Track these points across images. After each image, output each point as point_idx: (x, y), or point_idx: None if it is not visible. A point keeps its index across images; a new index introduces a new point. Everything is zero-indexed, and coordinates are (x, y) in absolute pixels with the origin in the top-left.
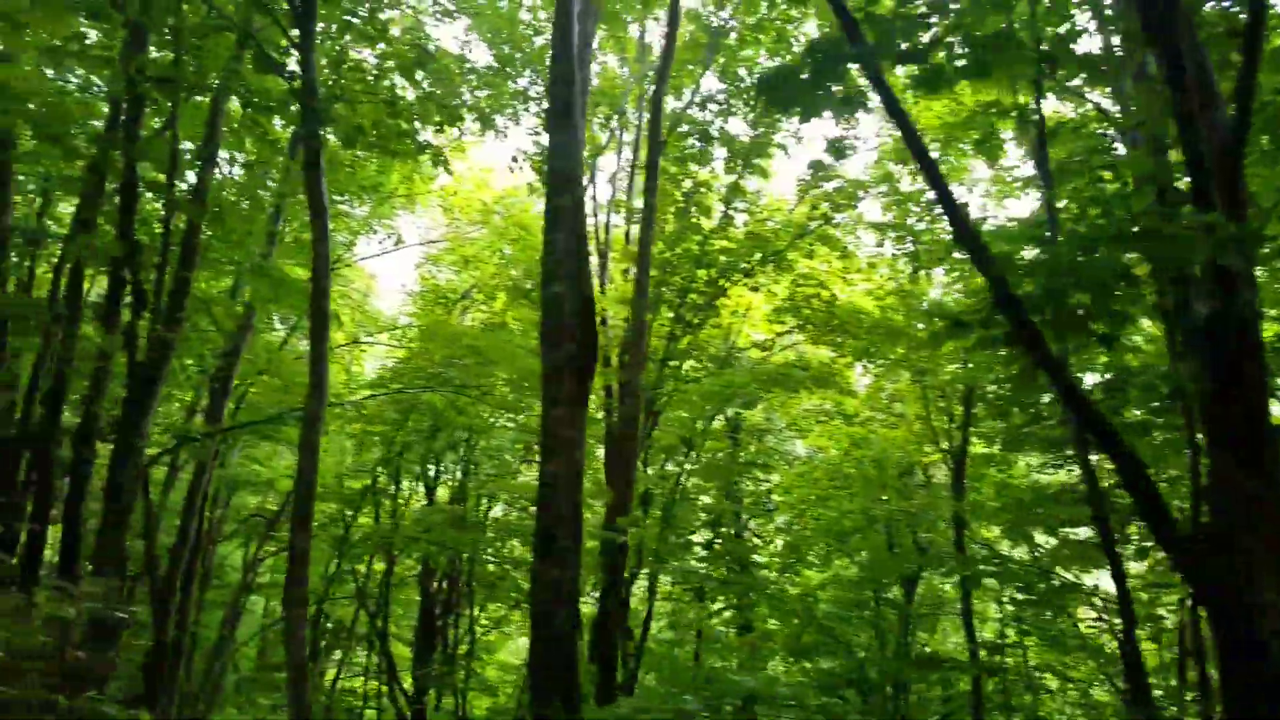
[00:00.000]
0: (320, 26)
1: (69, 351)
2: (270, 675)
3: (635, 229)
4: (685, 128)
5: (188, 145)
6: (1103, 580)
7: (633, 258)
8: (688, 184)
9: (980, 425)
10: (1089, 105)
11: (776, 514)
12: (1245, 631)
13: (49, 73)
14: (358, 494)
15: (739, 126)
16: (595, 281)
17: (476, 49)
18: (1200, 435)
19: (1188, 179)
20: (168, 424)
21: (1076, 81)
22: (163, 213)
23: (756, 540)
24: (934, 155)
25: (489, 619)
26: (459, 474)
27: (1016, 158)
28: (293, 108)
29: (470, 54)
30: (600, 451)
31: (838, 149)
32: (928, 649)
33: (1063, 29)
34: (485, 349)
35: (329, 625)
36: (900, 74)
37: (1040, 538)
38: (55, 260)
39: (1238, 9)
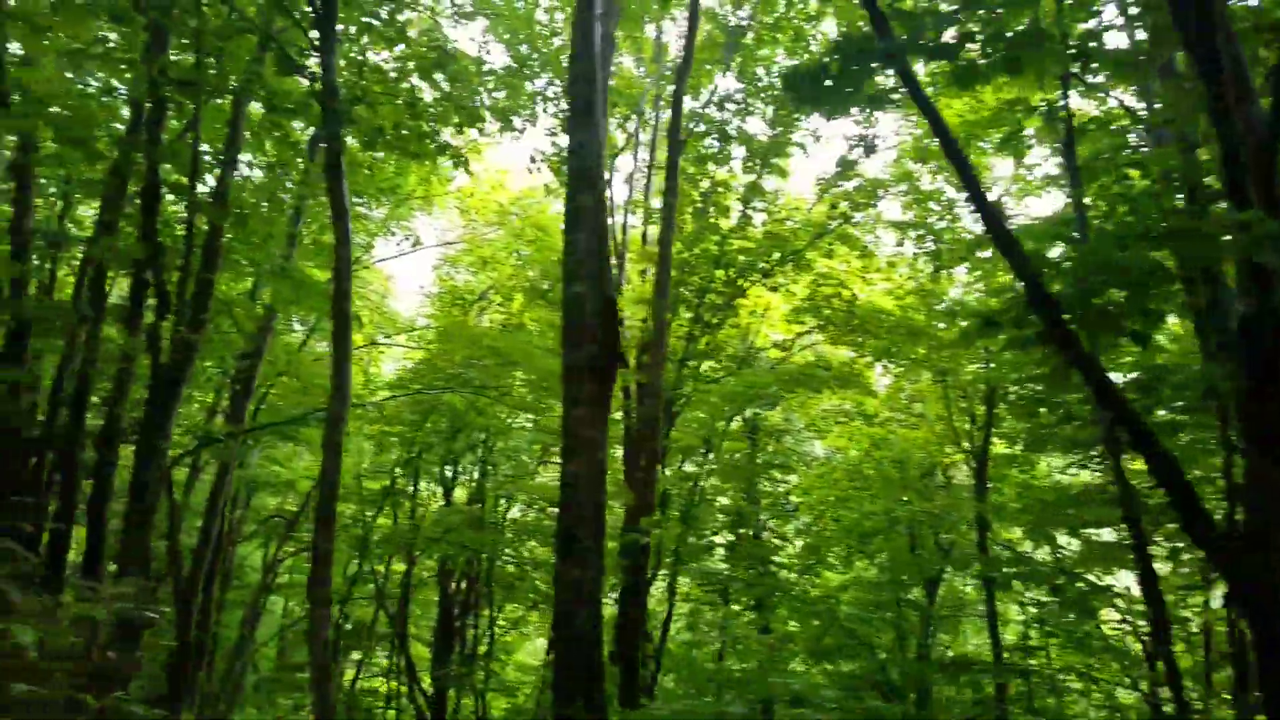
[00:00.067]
0: (340, 28)
1: (92, 353)
2: (291, 675)
3: (652, 229)
4: (703, 127)
5: (205, 147)
6: (1125, 581)
7: (650, 258)
8: (706, 184)
9: (1002, 425)
10: (1112, 103)
11: (797, 515)
12: None
13: (68, 76)
14: (378, 495)
15: (757, 126)
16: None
17: (493, 50)
18: (1235, 434)
19: (1219, 176)
20: (188, 425)
21: (1099, 79)
22: (184, 215)
23: (776, 541)
24: None
25: (506, 619)
26: (476, 475)
27: (1038, 156)
28: (313, 110)
29: (488, 55)
30: (618, 452)
31: (868, 146)
32: (949, 651)
33: (1091, 24)
34: (505, 349)
35: (348, 625)
36: (920, 72)
37: (1062, 539)
38: (76, 263)
39: (1269, 2)
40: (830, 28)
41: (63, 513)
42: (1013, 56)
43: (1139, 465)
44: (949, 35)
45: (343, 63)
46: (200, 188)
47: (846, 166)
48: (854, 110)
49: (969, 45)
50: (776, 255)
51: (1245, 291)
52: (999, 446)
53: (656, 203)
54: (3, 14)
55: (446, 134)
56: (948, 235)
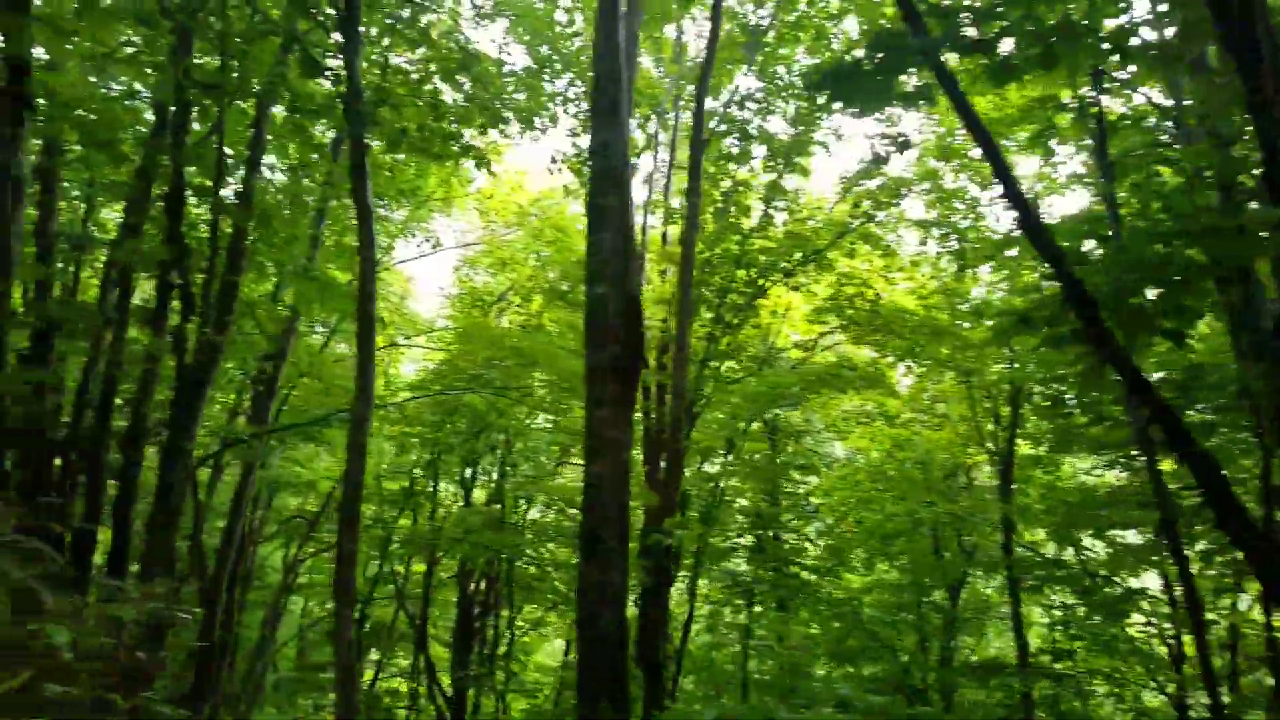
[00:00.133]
0: (362, 30)
1: (118, 355)
2: (314, 675)
3: (672, 229)
4: (724, 127)
5: (228, 150)
6: (1150, 584)
7: (670, 258)
8: (727, 183)
9: (1025, 426)
10: (1138, 99)
11: (819, 517)
12: None
13: (91, 80)
14: (398, 495)
15: (777, 125)
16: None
17: (513, 52)
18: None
19: (1256, 173)
20: (210, 426)
21: (1124, 75)
22: (208, 217)
23: (795, 542)
24: (980, 153)
25: (524, 620)
26: (495, 476)
27: (1063, 154)
28: (337, 112)
29: (508, 57)
30: (637, 453)
31: (902, 143)
32: (972, 655)
33: (1123, 20)
34: (527, 350)
35: (367, 626)
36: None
37: (1086, 541)
38: (99, 266)
39: None
40: (851, 26)
41: (89, 514)
42: (1049, 52)
43: (1164, 466)
44: (972, 30)
45: (365, 64)
46: (224, 190)
47: (879, 163)
48: (883, 108)
49: (1003, 40)
50: (798, 255)
51: None
52: (1023, 447)
53: (676, 203)
54: (29, 18)
55: (468, 135)
56: (972, 234)
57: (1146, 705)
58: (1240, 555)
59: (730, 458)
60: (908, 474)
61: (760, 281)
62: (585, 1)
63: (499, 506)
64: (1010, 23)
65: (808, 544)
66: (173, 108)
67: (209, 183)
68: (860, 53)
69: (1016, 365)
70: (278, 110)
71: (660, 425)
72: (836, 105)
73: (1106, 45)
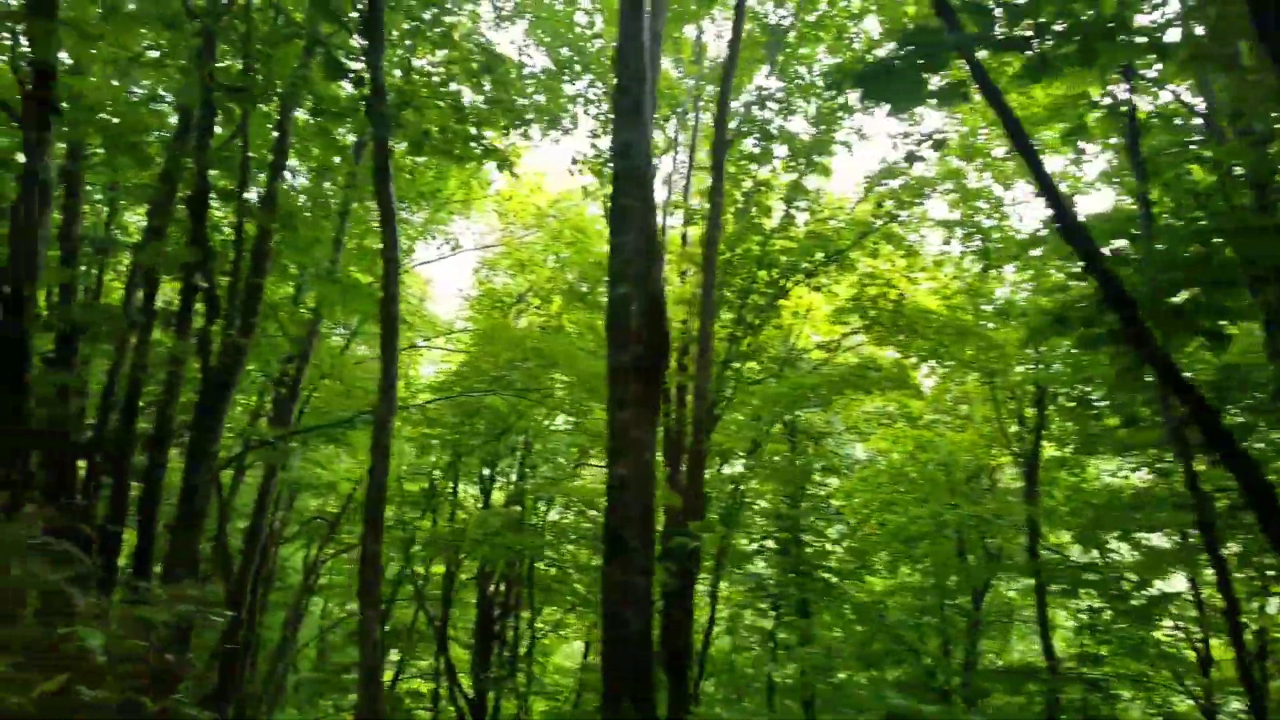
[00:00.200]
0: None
1: (143, 357)
2: (337, 677)
3: (692, 230)
4: (745, 127)
5: (250, 154)
6: (1174, 587)
7: (691, 259)
8: (748, 183)
9: (1050, 428)
10: (1165, 97)
11: (842, 519)
12: None
13: (114, 84)
14: (418, 496)
15: (798, 124)
16: None
17: (532, 54)
18: None
19: None
20: (232, 428)
21: (1153, 72)
22: (231, 219)
23: (816, 543)
24: (1003, 152)
25: (544, 622)
26: (514, 477)
27: (1089, 152)
28: (360, 114)
29: (528, 59)
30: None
31: (936, 141)
32: (997, 659)
33: (1156, 16)
34: (548, 351)
35: (389, 627)
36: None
37: (1112, 544)
38: (122, 269)
39: None
40: (872, 25)
41: (114, 515)
42: (1088, 48)
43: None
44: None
45: (387, 66)
46: (247, 193)
47: (913, 162)
48: (916, 106)
49: (1039, 37)
50: (820, 255)
51: None
52: (1048, 449)
53: (696, 203)
54: (55, 23)
55: (490, 136)
56: (995, 234)
57: (1176, 710)
58: (1273, 559)
59: (751, 459)
60: (930, 476)
61: (782, 282)
62: (606, 3)
63: (518, 508)
64: (1047, 19)
65: (831, 546)
66: (197, 111)
67: (233, 185)
68: (883, 51)
69: (1041, 366)
70: (300, 114)
71: (680, 427)
72: (866, 104)
73: (1141, 40)
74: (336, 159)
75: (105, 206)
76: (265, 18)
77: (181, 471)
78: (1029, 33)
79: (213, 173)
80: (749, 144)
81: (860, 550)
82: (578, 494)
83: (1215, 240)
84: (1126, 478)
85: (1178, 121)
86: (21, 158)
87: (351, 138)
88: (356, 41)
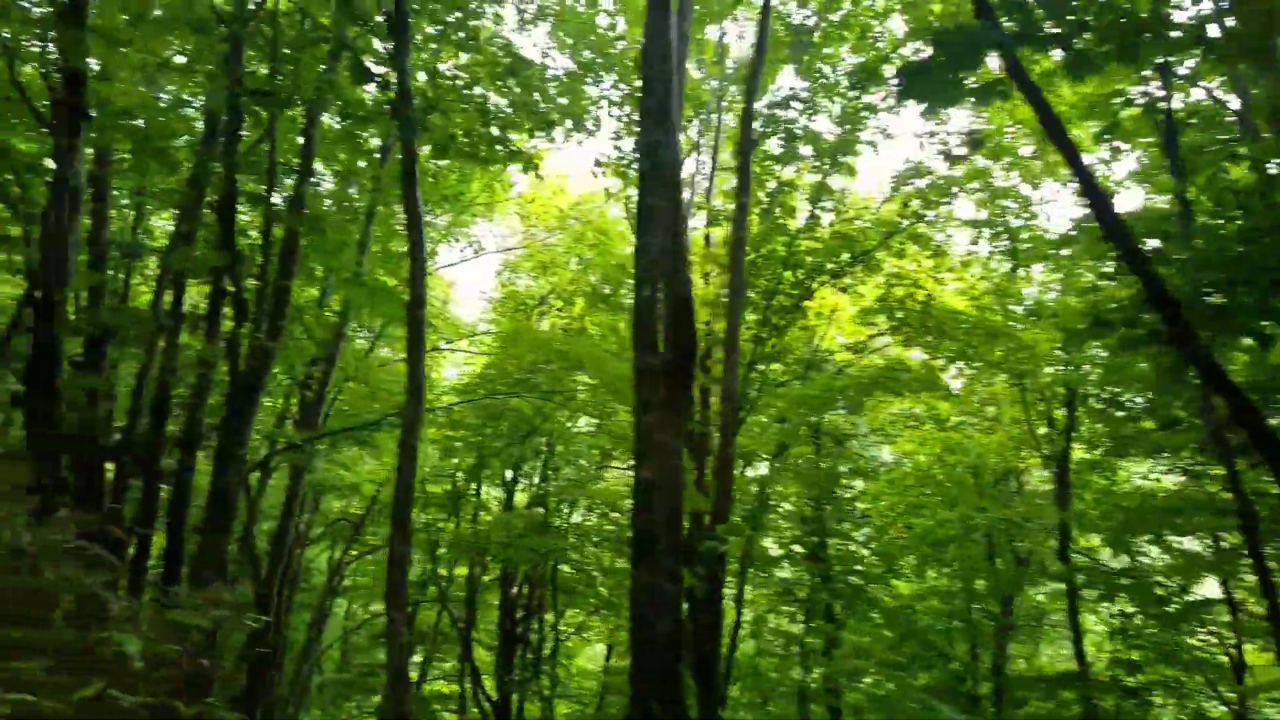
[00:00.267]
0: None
1: (172, 361)
2: (362, 679)
3: (716, 231)
4: (769, 127)
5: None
6: (1208, 591)
7: (714, 260)
8: (772, 184)
9: (1080, 430)
10: (1197, 94)
11: (869, 522)
12: None
13: (141, 89)
14: (441, 498)
15: (823, 124)
16: None
17: (555, 56)
18: None
19: None
20: (258, 430)
21: (1185, 69)
22: (261, 223)
23: (852, 550)
24: (1030, 150)
25: (567, 624)
26: (536, 479)
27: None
28: (387, 118)
29: (551, 61)
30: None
31: (975, 140)
32: (1024, 663)
33: (1194, 11)
34: (573, 353)
35: (411, 629)
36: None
37: (1144, 547)
38: (149, 272)
39: None
40: (897, 25)
41: (143, 518)
42: (1129, 45)
43: (1217, 471)
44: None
45: (415, 69)
46: (274, 196)
47: (953, 160)
48: (954, 105)
49: (1079, 34)
50: (845, 255)
51: None
52: (1077, 451)
53: (719, 204)
54: (85, 30)
55: (514, 139)
56: (1024, 233)
57: (1209, 716)
58: None
59: (776, 462)
60: (959, 478)
61: (807, 283)
62: (628, 5)
63: (541, 510)
64: (1091, 16)
65: (860, 550)
66: (224, 116)
67: (260, 189)
68: (908, 49)
69: (1071, 367)
70: (325, 118)
71: (705, 429)
72: (901, 103)
73: (1179, 35)
74: (362, 163)
75: (132, 211)
76: (292, 22)
77: (209, 474)
78: (1065, 30)
79: (240, 177)
80: (773, 144)
81: (888, 554)
82: (601, 496)
83: (1257, 240)
84: (1158, 480)
85: (1214, 117)
86: (50, 163)
87: (376, 141)
88: (380, 46)
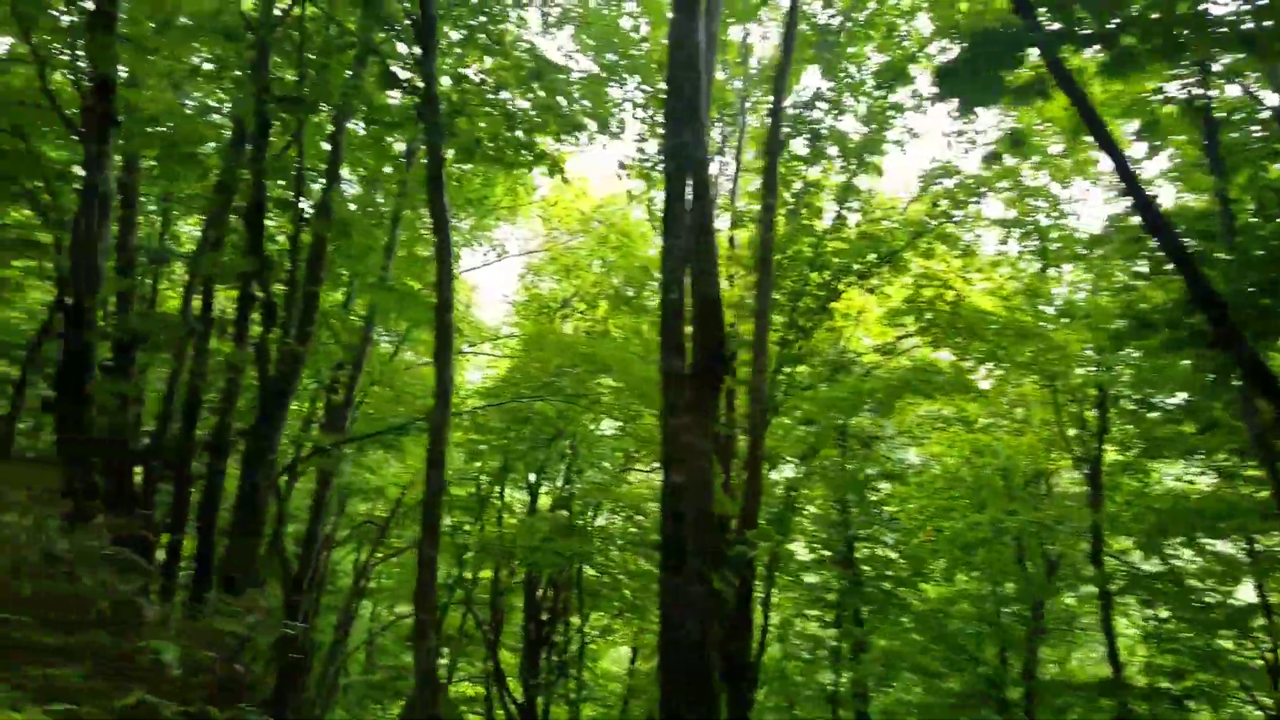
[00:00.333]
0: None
1: (201, 365)
2: (391, 682)
3: (739, 233)
4: (795, 127)
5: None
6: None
7: (739, 261)
8: (797, 185)
9: (1111, 431)
10: (1232, 90)
11: (898, 525)
12: None
13: (168, 96)
14: (466, 501)
15: (848, 124)
16: None
17: (578, 59)
18: None
19: None
20: (285, 434)
21: (1218, 66)
22: (290, 229)
23: (881, 554)
24: (1060, 150)
25: (592, 627)
26: (560, 482)
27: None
28: (415, 123)
29: (574, 63)
30: None
31: (1015, 140)
32: (1054, 667)
33: (1234, 8)
34: (599, 357)
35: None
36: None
37: (1174, 549)
38: (176, 278)
39: None
40: (923, 24)
41: (174, 522)
42: (1173, 42)
43: (1252, 472)
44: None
45: (443, 75)
46: (302, 202)
47: (993, 160)
48: (993, 104)
49: (1123, 32)
50: (872, 256)
51: None
52: (1109, 453)
53: (742, 206)
54: (115, 37)
55: (540, 142)
56: (1054, 233)
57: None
58: None
59: (803, 465)
60: (987, 480)
61: (834, 284)
62: (651, 8)
63: (565, 513)
64: (1136, 13)
65: (889, 554)
66: (253, 122)
67: (288, 195)
68: (934, 48)
69: (1103, 368)
70: (350, 125)
71: (730, 431)
72: (939, 101)
73: (1223, 31)
74: (387, 168)
75: (158, 217)
76: (319, 28)
77: (238, 478)
78: (1108, 28)
79: (267, 182)
80: (799, 144)
81: (917, 558)
82: (626, 499)
83: None
84: (1191, 482)
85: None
86: (80, 170)
87: (400, 146)
88: (404, 49)
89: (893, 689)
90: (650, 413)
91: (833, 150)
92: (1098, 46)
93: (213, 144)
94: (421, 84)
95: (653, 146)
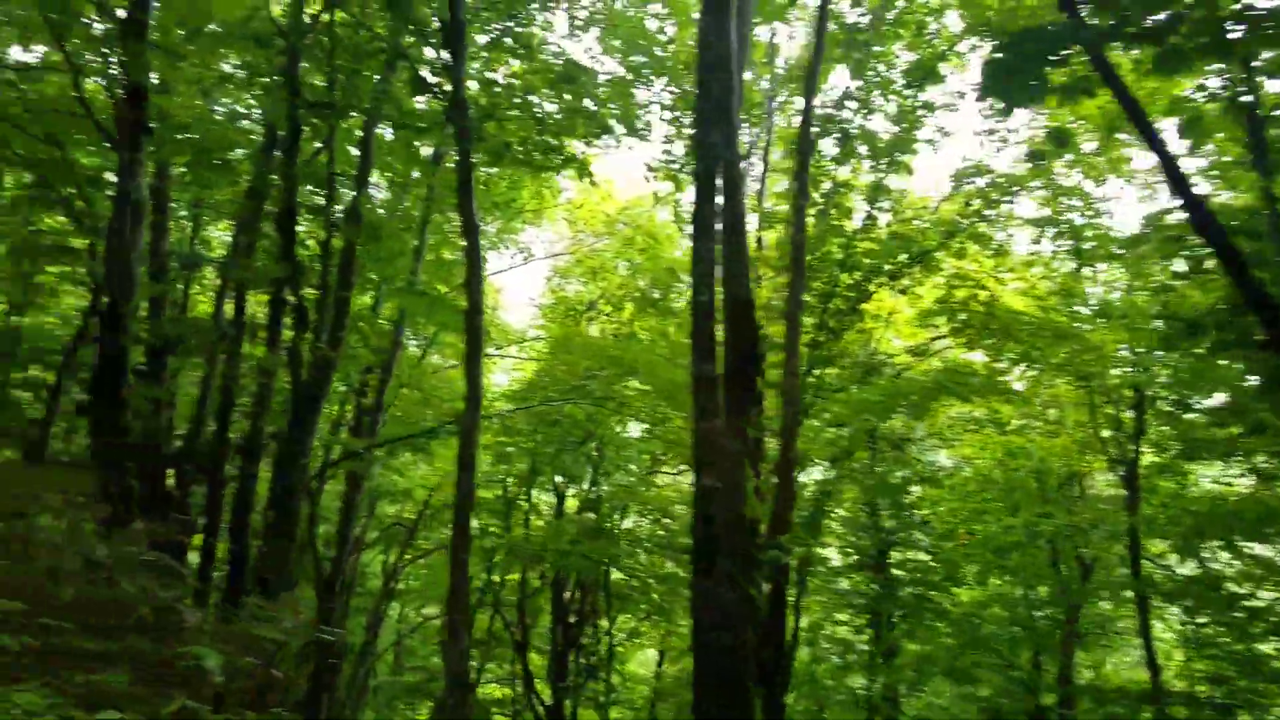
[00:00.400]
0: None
1: (234, 370)
2: (425, 683)
3: (767, 234)
4: (825, 126)
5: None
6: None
7: (767, 262)
8: (827, 185)
9: (1148, 433)
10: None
11: (931, 529)
12: None
13: (198, 103)
14: (498, 504)
15: (878, 123)
16: None
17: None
18: None
19: None
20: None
21: (1257, 62)
22: (322, 234)
23: (919, 557)
24: (1093, 148)
25: (619, 629)
26: (587, 484)
27: (1182, 147)
28: (444, 128)
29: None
30: None
31: (1060, 138)
32: (1089, 673)
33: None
34: (627, 359)
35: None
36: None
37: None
38: (207, 282)
39: None
40: (953, 21)
41: (208, 526)
42: (1222, 39)
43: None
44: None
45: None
46: (333, 207)
47: (1036, 160)
48: (1037, 102)
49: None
50: (903, 256)
51: None
52: (1145, 455)
53: (770, 206)
54: (147, 44)
55: (568, 145)
56: (1088, 231)
57: None
58: None
59: (834, 468)
60: (1022, 483)
61: (864, 285)
62: (678, 9)
63: (593, 515)
64: (1185, 9)
65: (923, 557)
66: (285, 128)
67: (318, 200)
68: (963, 45)
69: (1139, 369)
70: (379, 130)
71: (760, 434)
72: (985, 99)
73: (1272, 25)
74: (416, 172)
75: (189, 222)
76: (349, 34)
77: (270, 482)
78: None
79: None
80: (828, 144)
81: (951, 561)
82: (654, 502)
83: None
84: (1229, 484)
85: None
86: (112, 177)
87: (428, 150)
88: (432, 54)
89: (924, 693)
90: (678, 415)
91: (862, 149)
92: (1147, 44)
93: (243, 150)
94: (450, 88)
95: (680, 148)
